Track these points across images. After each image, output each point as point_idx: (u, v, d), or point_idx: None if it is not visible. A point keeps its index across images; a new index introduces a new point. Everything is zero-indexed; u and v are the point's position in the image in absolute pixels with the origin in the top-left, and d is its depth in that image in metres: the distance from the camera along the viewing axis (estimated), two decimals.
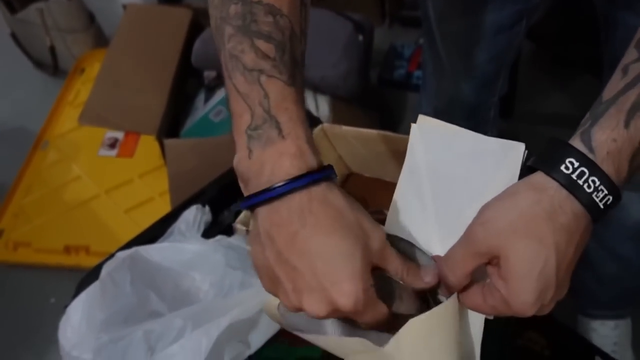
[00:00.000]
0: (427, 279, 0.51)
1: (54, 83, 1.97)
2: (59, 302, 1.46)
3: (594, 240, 1.16)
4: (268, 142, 0.46)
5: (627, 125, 0.44)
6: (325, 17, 1.57)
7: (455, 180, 0.54)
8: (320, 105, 1.52)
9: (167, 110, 1.49)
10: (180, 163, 1.38)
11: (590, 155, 0.45)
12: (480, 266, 0.48)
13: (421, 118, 0.58)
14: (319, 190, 0.46)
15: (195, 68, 1.61)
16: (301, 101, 0.49)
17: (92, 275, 0.87)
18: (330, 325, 0.53)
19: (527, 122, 1.71)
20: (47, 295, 1.47)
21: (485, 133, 1.33)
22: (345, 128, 0.86)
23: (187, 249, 0.86)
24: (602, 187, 0.44)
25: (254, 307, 0.74)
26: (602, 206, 0.45)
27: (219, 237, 0.85)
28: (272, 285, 0.48)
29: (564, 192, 0.45)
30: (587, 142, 0.45)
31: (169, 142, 1.40)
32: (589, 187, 0.44)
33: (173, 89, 1.53)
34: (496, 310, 0.47)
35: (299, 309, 0.47)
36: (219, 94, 1.58)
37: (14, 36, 1.98)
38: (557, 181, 0.45)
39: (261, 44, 0.48)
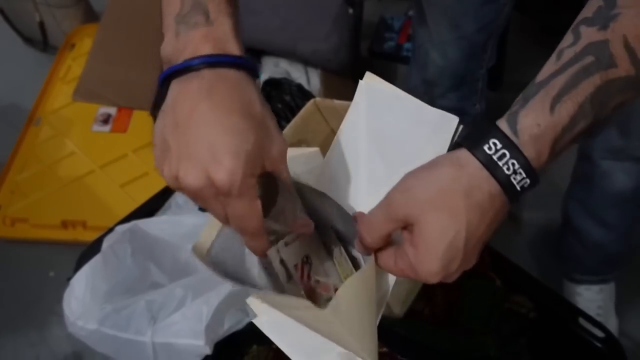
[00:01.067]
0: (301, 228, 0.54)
1: (45, 59, 1.96)
2: (58, 275, 1.48)
3: (579, 207, 1.19)
4: (195, 26, 0.49)
5: (552, 109, 0.45)
6: None
7: (391, 142, 0.56)
8: (311, 79, 1.52)
9: None
10: None
11: (513, 138, 0.45)
12: (397, 231, 0.49)
13: (369, 76, 0.58)
14: (234, 75, 0.48)
15: None
16: None
17: (92, 248, 0.89)
18: (258, 274, 0.54)
19: (516, 92, 1.68)
20: (46, 269, 1.49)
21: (474, 104, 1.34)
22: (337, 102, 0.87)
23: (184, 222, 0.88)
24: (520, 170, 0.45)
25: None
26: (518, 188, 0.46)
27: None
28: (162, 155, 0.48)
29: (484, 171, 0.46)
30: (512, 125, 0.46)
31: None
32: (508, 169, 0.45)
33: None
34: (404, 273, 0.49)
35: (176, 179, 0.47)
36: None
37: (2, 12, 1.96)
38: (479, 160, 0.46)
39: None
